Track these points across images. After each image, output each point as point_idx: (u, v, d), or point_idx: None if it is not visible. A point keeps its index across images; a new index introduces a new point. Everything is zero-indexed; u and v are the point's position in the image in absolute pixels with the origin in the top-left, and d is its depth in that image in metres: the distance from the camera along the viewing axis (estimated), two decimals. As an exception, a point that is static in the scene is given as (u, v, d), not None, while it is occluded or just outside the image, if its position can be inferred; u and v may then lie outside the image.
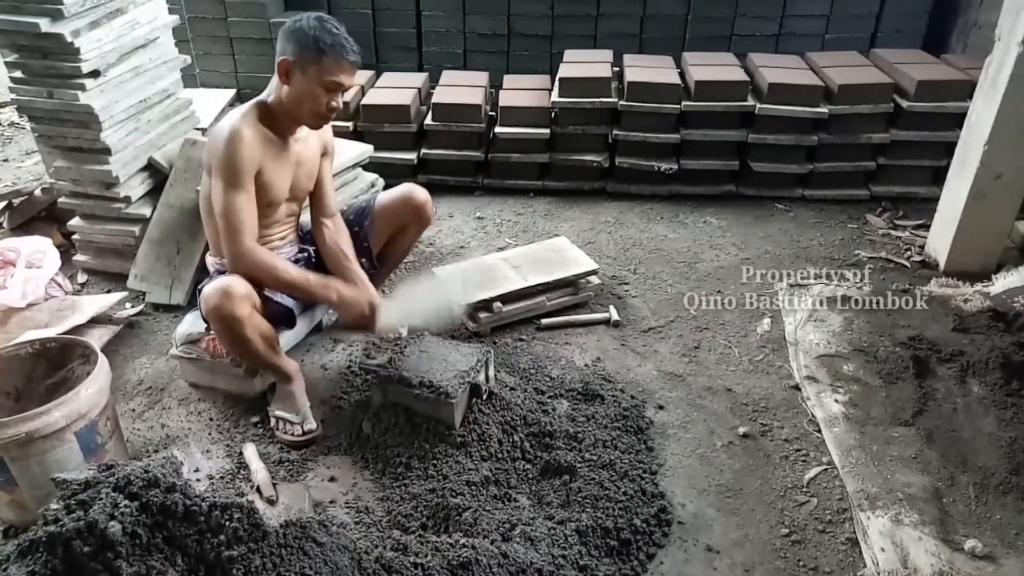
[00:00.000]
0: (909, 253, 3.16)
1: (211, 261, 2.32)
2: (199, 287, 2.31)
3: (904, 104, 3.42)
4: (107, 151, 2.74)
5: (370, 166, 3.35)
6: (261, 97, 2.15)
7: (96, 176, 2.79)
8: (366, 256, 2.47)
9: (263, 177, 2.09)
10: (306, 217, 2.46)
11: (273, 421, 2.22)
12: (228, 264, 2.08)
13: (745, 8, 4.31)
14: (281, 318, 2.26)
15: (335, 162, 2.53)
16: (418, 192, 2.49)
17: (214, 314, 2.01)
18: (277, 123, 2.12)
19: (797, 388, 2.41)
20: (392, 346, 2.28)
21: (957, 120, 3.19)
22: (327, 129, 2.33)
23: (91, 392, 1.84)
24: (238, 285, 2.02)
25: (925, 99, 3.40)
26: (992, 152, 2.74)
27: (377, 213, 2.47)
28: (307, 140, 2.25)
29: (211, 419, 2.29)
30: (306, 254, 2.42)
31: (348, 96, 3.71)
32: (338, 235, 2.35)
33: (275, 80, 2.08)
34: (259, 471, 2.04)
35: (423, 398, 2.08)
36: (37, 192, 3.28)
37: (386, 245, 2.54)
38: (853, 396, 2.34)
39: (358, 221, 2.48)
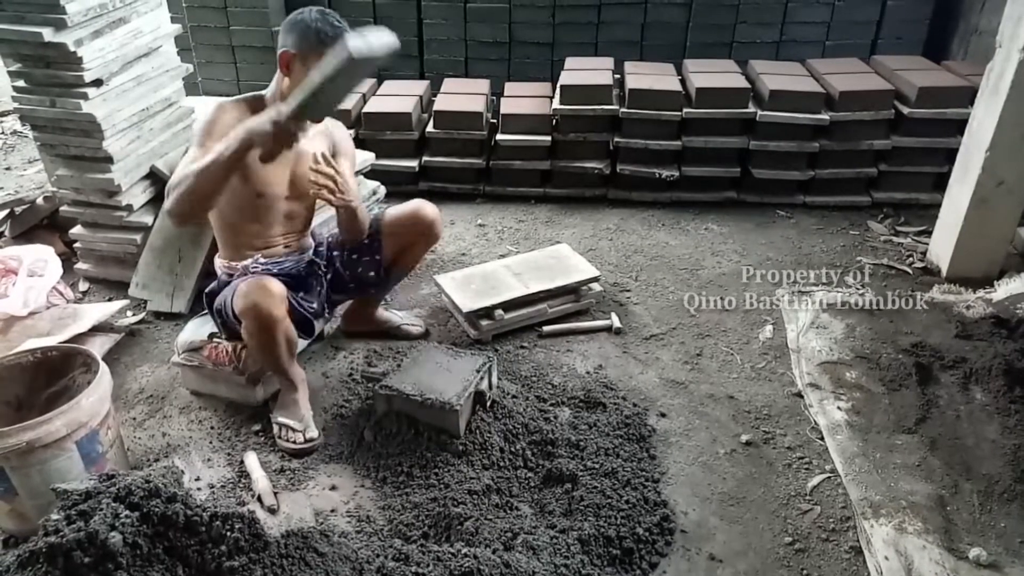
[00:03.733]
0: (911, 259, 3.16)
1: (219, 264, 2.31)
2: (205, 291, 2.31)
3: (905, 110, 3.42)
4: (109, 160, 2.74)
5: (372, 174, 3.36)
6: (260, 92, 2.16)
7: (98, 184, 2.80)
8: (375, 269, 2.43)
9: (243, 161, 1.99)
10: (321, 228, 2.41)
11: (276, 428, 2.22)
12: (167, 212, 2.01)
13: (746, 15, 4.32)
14: (301, 325, 2.24)
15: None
16: (428, 209, 2.44)
17: (252, 310, 1.99)
18: None
19: (800, 395, 2.40)
20: (391, 358, 2.24)
21: (958, 126, 3.20)
22: (338, 128, 2.32)
23: (92, 401, 1.84)
24: (276, 285, 2.02)
25: (926, 105, 3.40)
26: (994, 158, 2.74)
27: (386, 228, 2.43)
28: (312, 137, 2.22)
29: (212, 427, 2.29)
30: (317, 268, 2.38)
31: (350, 104, 3.73)
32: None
33: (277, 75, 2.09)
34: (260, 480, 2.04)
35: (427, 407, 2.08)
36: (39, 200, 3.29)
37: (394, 259, 2.51)
38: (856, 403, 2.33)
39: (369, 233, 2.45)
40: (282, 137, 1.92)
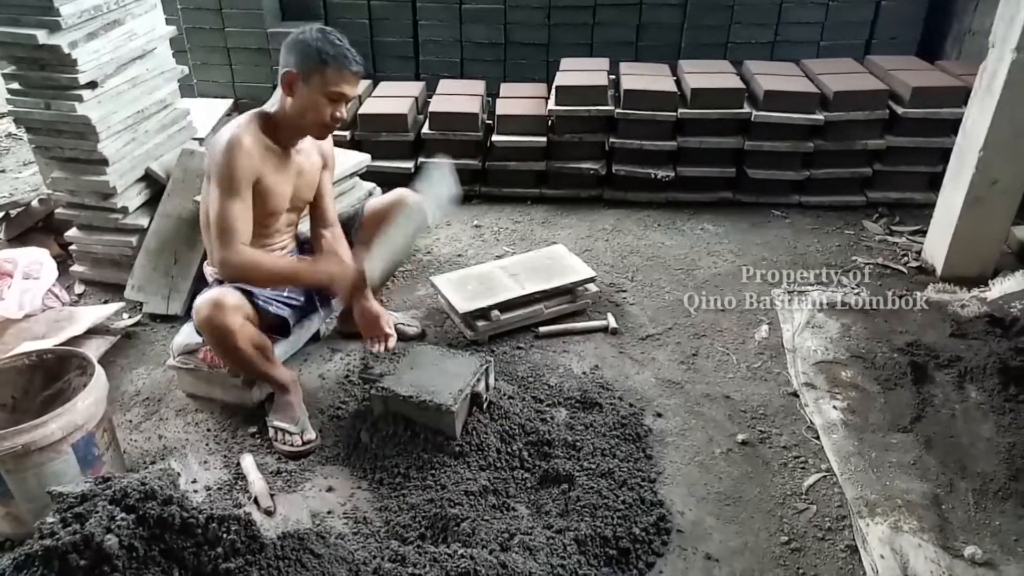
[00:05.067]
0: (906, 259, 3.17)
1: (209, 271, 2.32)
2: (196, 299, 2.31)
3: (899, 110, 3.43)
4: (104, 162, 2.74)
5: (368, 175, 3.35)
6: (264, 108, 2.16)
7: (93, 187, 2.79)
8: (355, 259, 2.46)
9: (262, 186, 2.10)
10: (304, 227, 2.46)
11: (271, 432, 2.22)
12: (218, 268, 2.08)
13: (741, 16, 4.33)
14: (276, 328, 2.26)
15: (334, 172, 2.53)
16: (409, 195, 2.47)
17: (205, 325, 2.03)
18: (279, 134, 2.13)
19: (795, 395, 2.41)
20: (391, 355, 2.26)
21: (952, 126, 3.21)
22: (327, 141, 2.34)
23: (88, 403, 1.83)
24: (229, 296, 2.03)
25: (920, 105, 3.41)
26: (987, 158, 2.75)
27: (367, 219, 2.47)
28: (308, 151, 2.26)
29: (208, 430, 2.29)
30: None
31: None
32: (337, 244, 2.35)
33: (278, 92, 2.10)
34: (257, 482, 2.04)
35: (424, 408, 2.08)
36: (34, 203, 3.28)
37: None
38: (851, 402, 2.34)
39: (345, 230, 2.46)
40: (354, 290, 2.17)
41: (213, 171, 2.03)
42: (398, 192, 2.50)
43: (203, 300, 2.04)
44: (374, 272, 2.18)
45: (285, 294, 2.28)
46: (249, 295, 2.13)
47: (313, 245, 2.39)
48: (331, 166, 2.41)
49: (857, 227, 3.47)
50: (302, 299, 2.31)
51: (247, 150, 2.02)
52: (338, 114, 2.08)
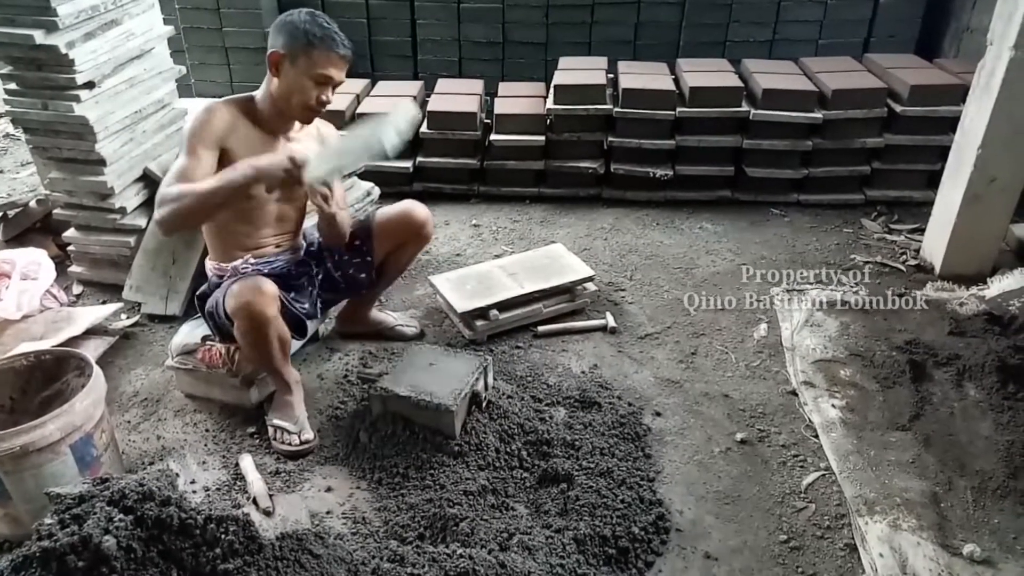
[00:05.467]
0: (905, 257, 3.17)
1: (210, 267, 2.30)
2: (197, 294, 2.31)
3: (898, 108, 3.43)
4: (102, 162, 2.73)
5: (366, 174, 3.35)
6: (250, 93, 2.16)
7: (91, 187, 2.79)
8: (366, 270, 2.43)
9: (232, 159, 2.04)
10: (313, 230, 2.41)
11: (271, 431, 2.22)
12: (156, 212, 1.99)
13: (739, 14, 4.33)
14: (293, 326, 2.24)
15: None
16: (418, 211, 2.44)
17: (244, 309, 2.00)
18: (262, 117, 2.12)
19: (794, 393, 2.41)
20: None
21: (951, 124, 3.21)
22: (325, 127, 2.33)
23: (86, 404, 1.83)
24: (268, 285, 2.03)
25: (918, 103, 3.41)
26: (986, 156, 2.75)
27: (377, 229, 2.43)
28: (303, 141, 2.23)
29: (207, 430, 2.29)
30: (308, 269, 2.38)
31: (344, 104, 3.72)
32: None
33: (267, 76, 2.09)
34: (255, 482, 2.04)
35: (423, 408, 2.08)
36: (32, 204, 3.27)
37: (386, 260, 2.52)
38: (850, 401, 2.34)
39: (359, 235, 2.43)
40: (291, 182, 1.98)
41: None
42: (406, 204, 2.46)
43: (244, 285, 2.01)
44: (315, 169, 1.97)
45: (291, 296, 2.24)
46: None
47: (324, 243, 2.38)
48: None
49: (856, 225, 3.47)
50: (307, 305, 2.30)
51: (214, 115, 2.03)
52: (324, 97, 2.07)
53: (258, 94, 2.14)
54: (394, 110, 2.01)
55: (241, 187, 1.96)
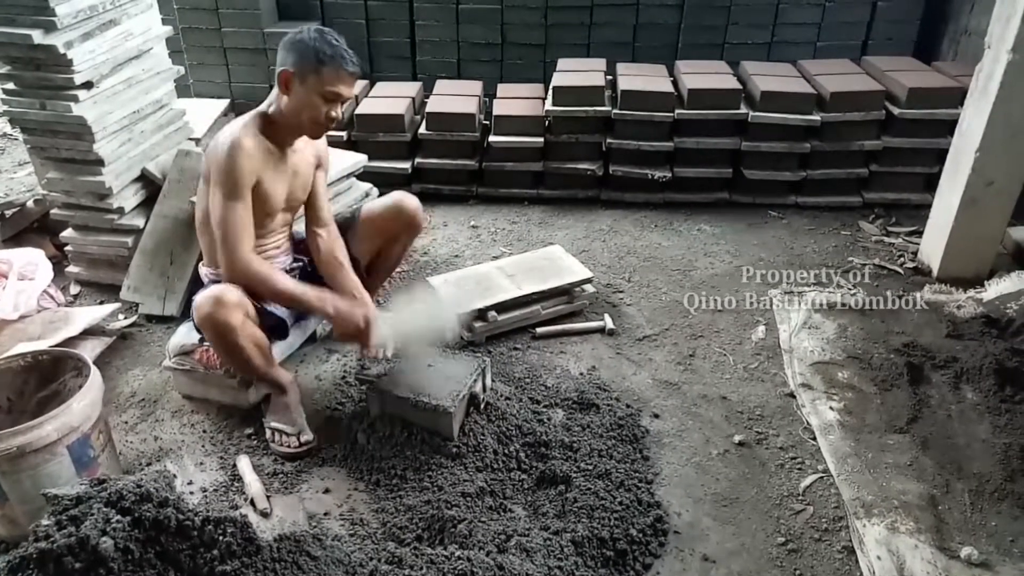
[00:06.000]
0: (902, 260, 3.17)
1: (204, 271, 2.32)
2: (192, 298, 2.30)
3: (896, 111, 3.44)
4: (100, 162, 2.73)
5: (364, 176, 3.35)
6: (261, 108, 2.15)
7: (89, 187, 2.78)
8: (353, 267, 2.45)
9: (262, 187, 2.10)
10: (299, 227, 2.45)
11: (268, 433, 2.21)
12: (224, 274, 2.08)
13: (737, 17, 4.33)
14: (274, 329, 2.25)
15: (329, 172, 2.53)
16: (408, 200, 2.47)
17: (206, 322, 2.01)
18: (277, 134, 2.13)
19: (792, 396, 2.41)
20: (383, 362, 2.25)
21: (948, 127, 3.21)
22: (322, 140, 2.34)
23: (83, 405, 1.83)
24: (231, 293, 2.02)
25: (916, 106, 3.42)
26: (983, 159, 2.75)
27: (363, 222, 2.45)
28: (303, 151, 2.25)
29: (205, 431, 2.28)
30: (301, 263, 2.41)
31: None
32: (333, 244, 2.34)
33: (275, 92, 2.10)
34: (253, 483, 2.03)
35: (420, 409, 2.07)
36: (30, 204, 3.27)
37: (377, 255, 2.53)
38: (848, 403, 2.34)
39: (342, 231, 2.44)
40: (357, 338, 2.12)
41: (215, 174, 2.02)
42: (395, 195, 2.49)
43: (204, 296, 2.02)
44: (381, 336, 2.12)
45: None
46: (250, 294, 2.12)
47: (309, 245, 2.38)
48: (325, 165, 2.40)
49: (853, 228, 3.47)
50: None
51: (249, 152, 2.02)
52: (333, 114, 2.08)
53: (270, 109, 2.13)
54: (455, 299, 2.30)
55: (313, 312, 2.20)
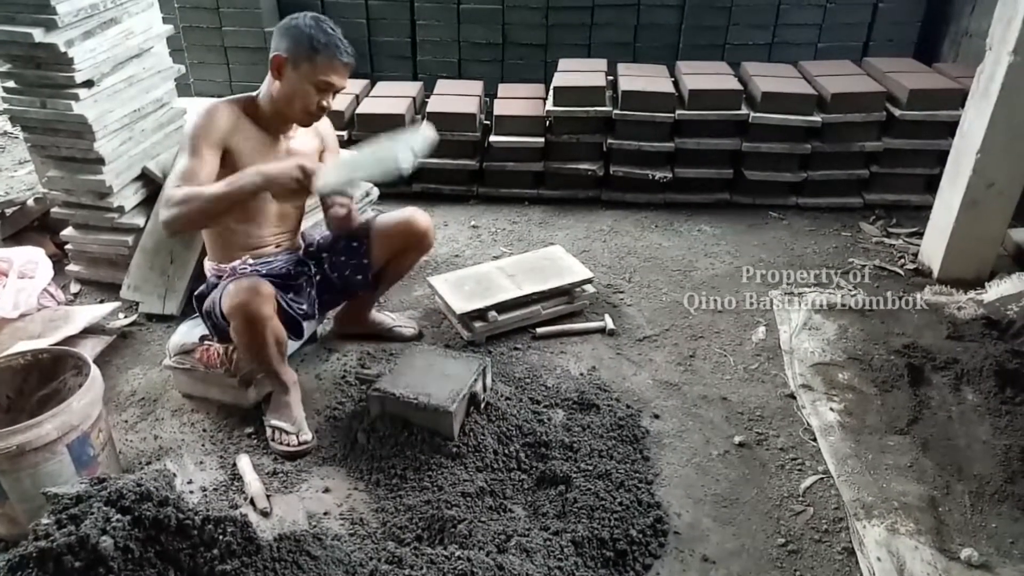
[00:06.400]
0: (903, 261, 3.17)
1: (209, 267, 2.30)
2: (195, 294, 2.30)
3: (896, 112, 3.44)
4: (100, 161, 2.73)
5: (364, 175, 3.34)
6: (253, 93, 2.16)
7: (89, 186, 2.78)
8: (363, 273, 2.42)
9: (234, 158, 2.05)
10: (313, 231, 2.41)
11: (269, 431, 2.21)
12: (162, 212, 1.97)
13: (738, 17, 4.34)
14: (289, 327, 2.23)
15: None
16: (420, 219, 2.43)
17: (240, 310, 2.00)
18: (263, 117, 2.12)
19: (792, 397, 2.41)
20: (387, 357, 2.23)
21: (949, 128, 3.22)
22: (324, 123, 2.32)
23: (83, 404, 1.82)
24: (265, 285, 2.03)
25: (917, 108, 3.42)
26: (984, 160, 2.75)
27: (377, 235, 2.42)
28: (303, 136, 2.24)
29: (204, 430, 2.28)
30: (307, 269, 2.37)
31: (343, 105, 3.72)
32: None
33: (268, 78, 2.09)
34: (253, 483, 2.03)
35: (421, 409, 2.07)
36: (30, 202, 3.27)
37: (385, 265, 2.51)
38: (848, 404, 2.34)
39: (357, 236, 2.42)
40: (300, 191, 1.98)
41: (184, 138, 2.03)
42: (407, 212, 2.45)
43: (240, 285, 2.01)
44: (324, 177, 1.97)
45: (288, 297, 2.23)
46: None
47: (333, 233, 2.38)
48: (333, 147, 2.36)
49: (854, 229, 3.47)
50: (305, 306, 2.29)
51: (217, 115, 2.03)
52: (324, 103, 2.07)
53: (260, 94, 2.13)
54: (411, 129, 2.03)
55: (249, 194, 1.96)
